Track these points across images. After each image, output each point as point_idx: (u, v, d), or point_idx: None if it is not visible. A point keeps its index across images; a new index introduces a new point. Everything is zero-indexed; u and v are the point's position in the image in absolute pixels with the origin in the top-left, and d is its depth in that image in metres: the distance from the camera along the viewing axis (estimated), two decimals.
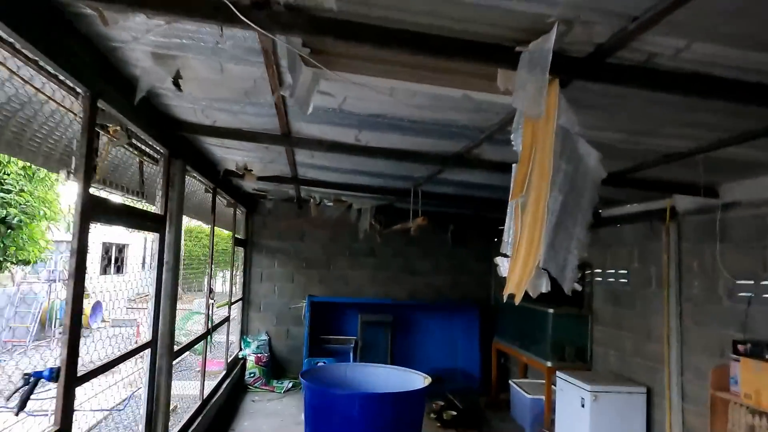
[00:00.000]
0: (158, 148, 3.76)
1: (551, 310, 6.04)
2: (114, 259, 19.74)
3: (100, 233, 17.87)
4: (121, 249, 20.02)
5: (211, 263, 5.58)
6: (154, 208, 3.86)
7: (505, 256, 2.45)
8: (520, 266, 2.23)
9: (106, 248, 18.27)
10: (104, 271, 18.51)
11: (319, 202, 7.34)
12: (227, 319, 6.91)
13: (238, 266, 8.53)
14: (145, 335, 3.79)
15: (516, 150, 2.45)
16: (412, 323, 8.66)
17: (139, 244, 21.16)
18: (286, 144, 3.75)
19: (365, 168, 4.71)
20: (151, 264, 3.87)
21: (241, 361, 7.81)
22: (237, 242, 8.04)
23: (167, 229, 3.84)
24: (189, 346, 4.73)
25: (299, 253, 8.62)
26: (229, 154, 4.73)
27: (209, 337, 5.44)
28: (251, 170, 5.24)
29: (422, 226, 5.25)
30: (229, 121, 3.53)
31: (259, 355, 7.83)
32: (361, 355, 8.06)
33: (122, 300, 16.13)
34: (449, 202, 5.91)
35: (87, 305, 11.35)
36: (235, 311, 8.49)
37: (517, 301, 2.24)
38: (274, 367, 8.23)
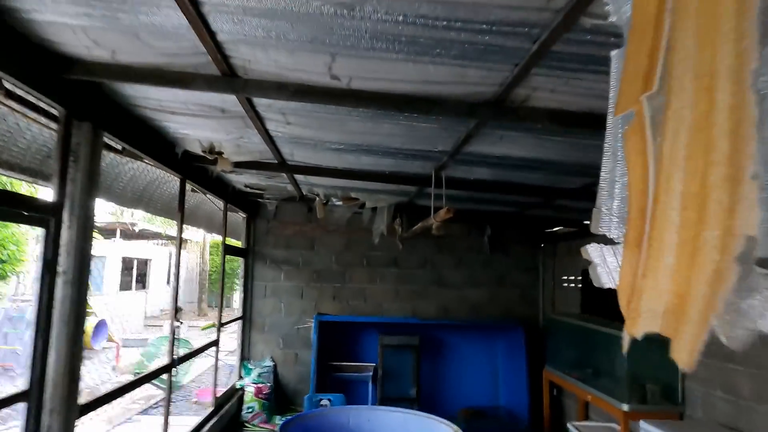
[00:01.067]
0: (52, 106, 2.58)
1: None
2: (138, 275, 19.13)
3: (121, 247, 17.25)
4: (144, 263, 19.41)
5: (177, 274, 4.38)
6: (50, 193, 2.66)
7: (612, 242, 1.15)
8: (667, 267, 0.85)
9: (127, 263, 17.63)
10: (127, 287, 17.87)
11: (326, 201, 6.07)
12: (214, 344, 5.69)
13: (236, 280, 7.35)
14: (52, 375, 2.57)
15: (619, 16, 1.12)
16: (443, 346, 7.21)
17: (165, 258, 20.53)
18: (231, 90, 2.49)
19: (363, 140, 3.40)
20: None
21: (239, 393, 6.56)
22: (233, 251, 6.85)
23: (65, 222, 2.63)
24: (125, 389, 3.48)
25: (309, 264, 7.36)
26: (184, 127, 3.53)
27: (173, 370, 4.20)
28: (221, 152, 4.01)
29: (446, 220, 3.87)
30: (137, 53, 2.30)
31: (259, 385, 6.56)
32: (381, 386, 6.67)
33: (138, 317, 15.33)
34: (483, 191, 4.50)
35: (89, 324, 10.46)
36: (234, 333, 7.28)
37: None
38: (279, 400, 6.94)
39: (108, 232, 16.32)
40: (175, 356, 4.26)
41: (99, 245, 16.20)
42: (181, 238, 4.41)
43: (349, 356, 6.95)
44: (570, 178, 3.99)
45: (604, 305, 5.58)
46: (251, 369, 6.89)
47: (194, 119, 3.29)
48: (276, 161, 4.24)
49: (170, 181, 4.49)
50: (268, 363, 7.05)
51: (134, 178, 4.00)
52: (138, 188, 4.06)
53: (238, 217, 7.24)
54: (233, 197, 5.97)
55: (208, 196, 5.37)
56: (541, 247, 7.63)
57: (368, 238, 7.43)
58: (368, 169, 4.27)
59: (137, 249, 18.36)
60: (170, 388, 4.21)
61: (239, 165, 4.26)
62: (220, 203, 5.87)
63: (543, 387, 6.33)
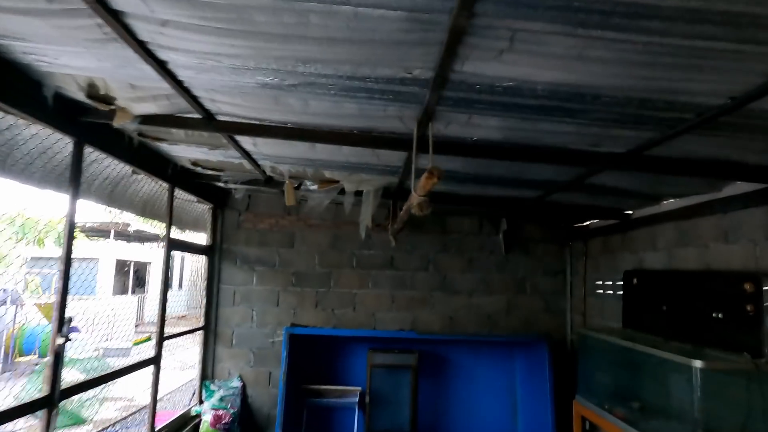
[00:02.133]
0: None
1: (699, 364, 3.14)
2: (138, 278, 18.22)
3: (115, 249, 16.35)
4: (145, 267, 18.49)
5: (66, 274, 3.19)
6: None
7: None
8: None
9: (122, 265, 16.71)
10: (124, 290, 16.95)
11: (297, 185, 4.85)
12: (153, 361, 4.50)
13: (198, 280, 6.18)
14: None
15: None
16: (448, 366, 5.90)
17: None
18: None
19: (299, 55, 2.16)
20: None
21: (195, 421, 5.37)
22: (188, 248, 5.68)
23: None
24: None
25: (287, 265, 6.14)
26: (42, 51, 2.35)
27: (53, 403, 3.02)
28: (113, 98, 2.82)
29: (428, 189, 2.57)
30: None
31: (219, 411, 5.34)
32: (369, 416, 5.39)
33: (123, 324, 14.31)
34: (491, 158, 3.21)
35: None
36: (194, 347, 6.10)
37: None
38: (248, 429, 5.71)
39: (100, 233, 15.45)
40: (58, 387, 3.07)
41: (90, 246, 15.30)
42: (71, 227, 3.23)
43: (331, 378, 5.69)
44: (619, 129, 2.69)
45: (657, 319, 4.21)
46: (213, 391, 5.68)
47: (49, 32, 2.11)
48: (199, 115, 3.04)
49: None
50: (235, 383, 5.84)
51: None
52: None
53: (201, 208, 6.08)
54: (181, 179, 4.79)
55: (140, 174, 4.20)
56: (568, 245, 6.27)
57: (358, 233, 6.18)
58: (323, 125, 3.02)
59: (135, 251, 17.45)
60: (48, 424, 3.01)
61: (149, 121, 3.06)
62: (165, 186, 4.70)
63: (573, 422, 4.96)
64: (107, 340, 12.13)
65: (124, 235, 15.88)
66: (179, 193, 5.08)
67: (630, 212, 4.93)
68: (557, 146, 3.05)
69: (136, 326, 15.83)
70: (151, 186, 4.63)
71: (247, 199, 6.19)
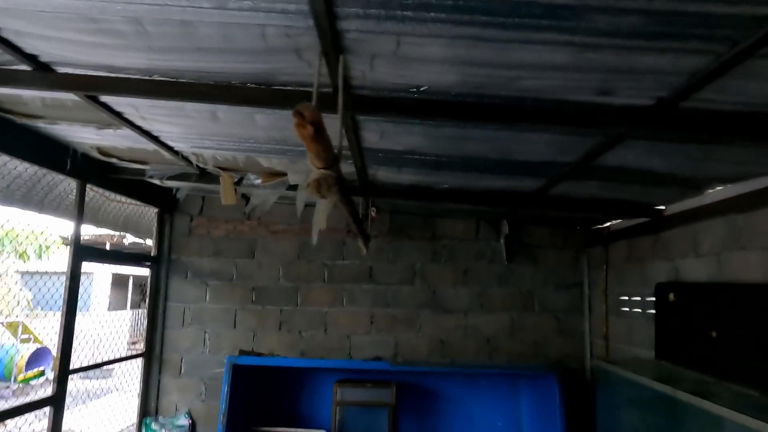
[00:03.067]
0: None
1: None
2: (141, 293, 17.55)
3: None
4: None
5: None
6: None
7: None
8: None
9: (120, 279, 16.06)
10: (122, 305, 16.28)
11: (238, 179, 3.89)
12: (51, 402, 3.56)
13: (143, 299, 5.24)
14: None
15: None
16: (437, 403, 4.80)
17: None
18: None
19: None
20: None
21: None
22: (86, 255, 4.77)
23: None
24: None
25: (247, 278, 5.18)
26: None
27: None
28: None
29: (316, 151, 1.56)
30: None
31: None
32: None
33: (122, 340, 13.53)
34: (444, 117, 2.19)
35: (21, 353, 8.63)
36: (133, 376, 5.18)
37: None
38: None
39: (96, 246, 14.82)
40: None
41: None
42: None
43: (292, 416, 4.67)
44: (645, 56, 1.64)
45: (703, 348, 3.08)
46: (155, 431, 4.73)
47: None
48: (28, 66, 2.11)
49: None
50: (183, 422, 4.87)
51: None
52: None
53: (146, 212, 5.19)
54: (95, 174, 3.88)
55: (22, 163, 3.30)
56: (585, 252, 5.15)
57: (331, 239, 5.19)
58: (201, 72, 2.05)
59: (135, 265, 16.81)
60: None
61: None
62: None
63: None
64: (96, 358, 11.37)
65: (119, 248, 15.22)
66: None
67: (662, 207, 3.81)
68: (545, 97, 2.01)
69: (133, 343, 15.08)
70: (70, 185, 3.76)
71: (200, 201, 5.27)
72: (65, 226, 12.89)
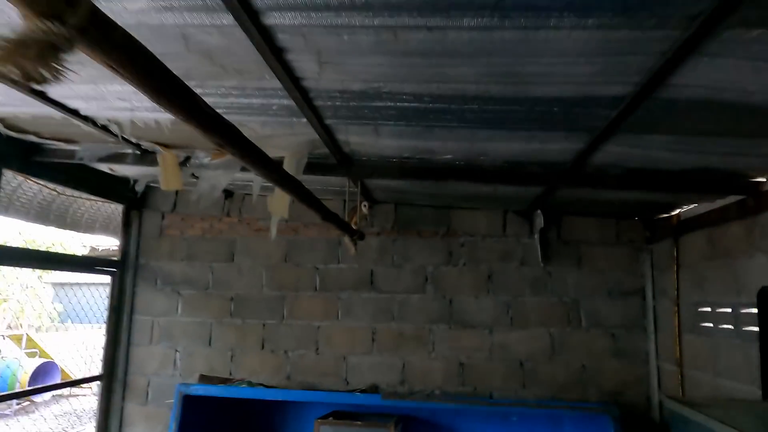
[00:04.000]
0: None
1: None
2: None
3: None
4: None
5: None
6: None
7: None
8: None
9: None
10: None
11: (184, 159, 3.05)
12: None
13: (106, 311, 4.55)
14: None
15: None
16: None
17: None
18: None
19: None
20: None
21: None
22: (61, 262, 4.05)
23: None
24: None
25: (225, 286, 4.33)
26: None
27: None
28: None
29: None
30: None
31: None
32: None
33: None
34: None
35: (24, 368, 8.17)
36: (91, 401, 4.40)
37: None
38: None
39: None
40: None
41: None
42: None
43: None
44: None
45: None
46: None
47: None
48: None
49: None
50: None
51: None
52: None
53: (108, 209, 4.46)
54: (12, 155, 3.13)
55: None
56: (646, 248, 3.98)
57: (325, 237, 4.28)
58: None
59: None
60: None
61: None
62: None
63: None
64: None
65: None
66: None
67: (762, 179, 2.66)
68: None
69: None
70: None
71: (173, 195, 4.49)
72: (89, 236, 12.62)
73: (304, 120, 2.37)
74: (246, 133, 1.72)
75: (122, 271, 4.35)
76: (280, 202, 2.75)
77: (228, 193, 4.42)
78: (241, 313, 4.27)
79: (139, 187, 3.97)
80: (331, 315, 4.20)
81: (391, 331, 4.13)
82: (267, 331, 4.23)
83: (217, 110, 1.20)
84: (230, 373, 4.18)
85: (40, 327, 12.91)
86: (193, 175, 3.27)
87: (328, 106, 2.20)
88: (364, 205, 3.71)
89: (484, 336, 4.05)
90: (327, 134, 2.54)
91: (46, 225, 4.60)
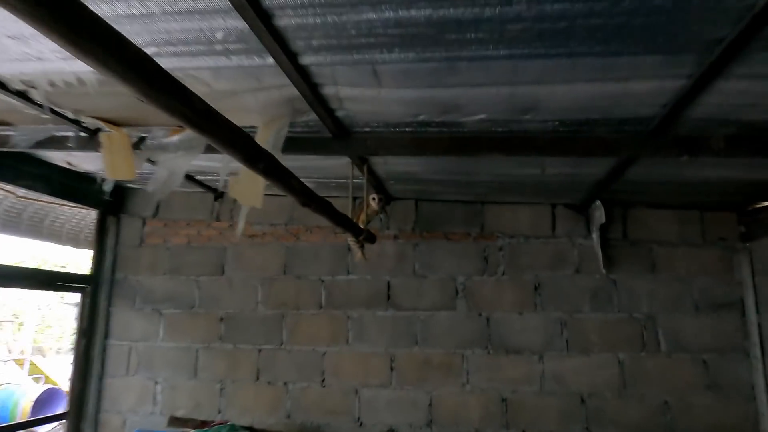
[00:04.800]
0: None
1: None
2: None
3: None
4: None
5: None
6: None
7: None
8: None
9: None
10: None
11: (138, 140, 2.36)
12: None
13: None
14: None
15: None
16: None
17: None
18: None
19: None
20: None
21: None
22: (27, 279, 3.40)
23: None
24: None
25: (214, 304, 3.61)
26: None
27: None
28: None
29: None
30: None
31: None
32: None
33: None
34: None
35: (27, 395, 7.64)
36: None
37: None
38: None
39: None
40: None
41: None
42: None
43: None
44: None
45: None
46: None
47: None
48: None
49: None
50: None
51: None
52: None
53: (81, 216, 3.84)
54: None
55: None
56: (744, 248, 3.06)
57: (330, 244, 3.53)
58: None
59: None
60: None
61: None
62: None
63: None
64: None
65: None
66: None
67: None
68: None
69: None
70: None
71: (156, 201, 3.83)
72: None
73: (271, 61, 1.63)
74: (197, 89, 1.04)
75: (95, 287, 3.69)
76: (248, 185, 2.00)
77: (217, 194, 3.73)
78: (232, 337, 3.53)
79: (107, 186, 3.29)
80: (340, 338, 3.41)
81: (413, 358, 3.31)
82: (263, 359, 3.47)
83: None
84: (219, 410, 3.43)
85: (59, 350, 12.55)
86: (149, 160, 2.57)
87: (297, 27, 1.46)
88: (373, 198, 2.94)
89: (533, 364, 3.18)
90: (308, 85, 1.78)
91: (18, 236, 4.03)
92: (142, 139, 2.43)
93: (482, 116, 1.99)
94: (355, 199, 3.38)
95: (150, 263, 3.74)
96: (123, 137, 2.42)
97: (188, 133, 2.25)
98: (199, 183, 3.51)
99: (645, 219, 3.24)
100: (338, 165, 2.78)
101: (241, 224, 2.13)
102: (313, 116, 2.10)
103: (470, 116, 2.00)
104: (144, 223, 3.82)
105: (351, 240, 2.59)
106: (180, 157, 2.32)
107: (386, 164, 2.75)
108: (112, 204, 3.76)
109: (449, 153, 2.20)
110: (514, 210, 3.38)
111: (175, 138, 2.32)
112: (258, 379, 3.45)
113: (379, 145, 2.24)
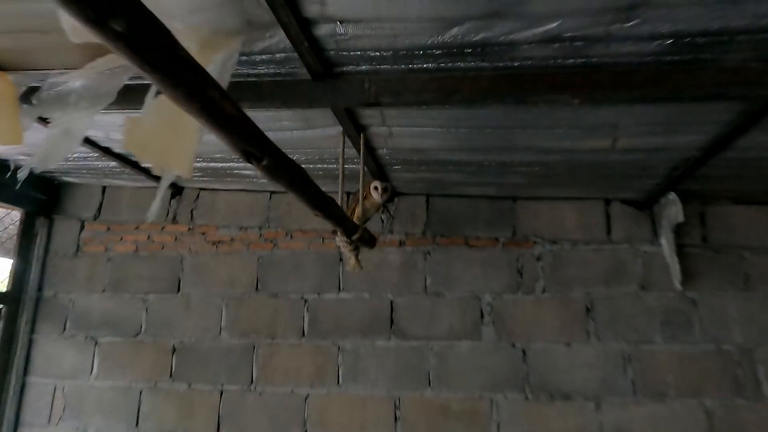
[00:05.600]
0: None
1: None
2: None
3: None
4: None
5: None
6: None
7: None
8: None
9: None
10: None
11: (27, 92, 1.60)
12: None
13: None
14: None
15: None
16: None
17: None
18: None
19: None
20: None
21: None
22: None
23: None
24: None
25: (164, 330, 2.78)
26: None
27: None
28: None
29: None
30: None
31: None
32: None
33: None
34: None
35: None
36: None
37: None
38: None
39: None
40: None
41: None
42: None
43: None
44: None
45: None
46: None
47: None
48: None
49: None
50: None
51: None
52: None
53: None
54: None
55: None
56: None
57: (315, 251, 2.73)
58: None
59: None
60: None
61: None
62: None
63: None
64: None
65: None
66: None
67: None
68: None
69: None
70: None
71: (99, 193, 3.04)
72: None
73: None
74: None
75: (13, 308, 2.86)
76: (165, 133, 1.20)
77: (175, 189, 2.94)
78: (186, 374, 2.70)
79: (21, 174, 2.50)
80: (328, 376, 2.58)
81: (425, 404, 2.48)
82: (226, 403, 2.63)
83: None
84: None
85: None
86: (42, 119, 1.79)
87: None
88: (376, 187, 2.16)
89: (587, 413, 2.36)
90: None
91: None
92: (32, 91, 1.65)
93: (552, 26, 1.21)
94: (349, 194, 2.61)
95: (87, 277, 2.92)
96: (7, 87, 1.65)
97: (94, 65, 1.47)
98: (154, 177, 2.74)
99: (732, 218, 2.46)
100: (323, 138, 2.01)
101: (154, 207, 1.30)
102: (280, 37, 1.33)
103: (531, 28, 1.22)
104: (82, 227, 3.01)
105: (341, 241, 1.80)
106: (82, 109, 1.53)
107: (391, 137, 1.97)
108: (42, 202, 2.97)
109: (491, 97, 1.42)
110: (555, 207, 2.60)
111: (77, 83, 1.54)
112: (219, 430, 2.61)
113: (385, 89, 1.47)
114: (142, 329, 2.80)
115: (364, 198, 2.19)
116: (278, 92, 1.53)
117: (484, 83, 1.40)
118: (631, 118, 1.67)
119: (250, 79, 1.55)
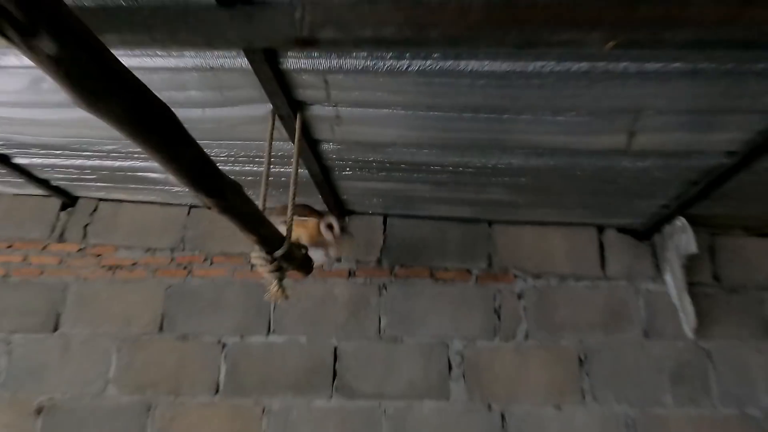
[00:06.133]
0: None
1: None
2: None
3: None
4: None
5: None
6: None
7: None
8: None
9: None
10: None
11: None
12: None
13: None
14: None
15: None
16: None
17: None
18: None
19: None
20: None
21: None
22: None
23: None
24: None
25: (32, 383, 2.07)
26: None
27: None
28: None
29: None
30: None
31: None
32: None
33: None
34: None
35: None
36: None
37: None
38: None
39: None
40: None
41: None
42: None
43: None
44: None
45: None
46: None
47: None
48: None
49: None
50: None
51: None
52: None
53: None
54: None
55: None
56: None
57: (240, 280, 2.13)
58: None
59: None
60: None
61: None
62: None
63: None
64: None
65: None
66: None
67: None
68: None
69: None
70: None
71: None
72: None
73: None
74: None
75: None
76: None
77: (66, 200, 2.31)
78: None
79: None
80: None
81: None
82: None
83: None
84: None
85: None
86: None
87: None
88: (329, 225, 1.64)
89: None
90: None
91: None
92: None
93: None
94: (293, 205, 2.06)
95: None
96: None
97: None
98: (39, 181, 2.12)
99: (745, 252, 2.06)
100: (248, 122, 1.48)
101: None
102: None
103: None
104: None
105: (258, 258, 1.24)
106: None
107: (339, 122, 1.47)
108: None
109: (484, 37, 0.94)
110: (539, 234, 2.14)
111: None
112: None
113: (326, 20, 0.96)
114: (1, 379, 2.08)
115: (303, 220, 1.66)
116: (163, 22, 1.01)
117: (474, 14, 0.92)
118: (663, 101, 1.23)
119: (121, 3, 1.02)
